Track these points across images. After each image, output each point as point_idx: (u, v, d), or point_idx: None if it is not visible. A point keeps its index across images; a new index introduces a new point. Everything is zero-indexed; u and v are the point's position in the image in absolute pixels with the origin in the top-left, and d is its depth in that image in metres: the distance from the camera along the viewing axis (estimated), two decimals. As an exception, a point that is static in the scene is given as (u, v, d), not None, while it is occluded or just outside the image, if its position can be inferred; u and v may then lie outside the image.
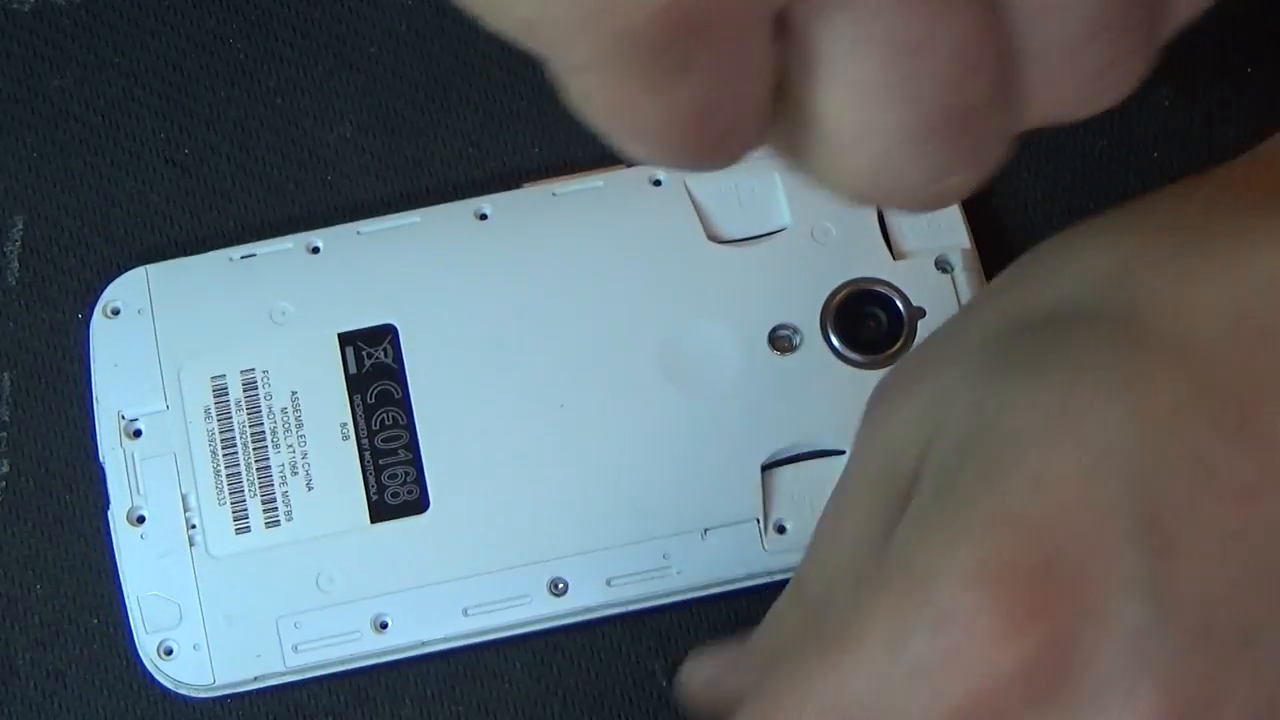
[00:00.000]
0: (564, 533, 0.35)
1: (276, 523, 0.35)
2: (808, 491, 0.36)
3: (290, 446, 0.36)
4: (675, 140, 0.22)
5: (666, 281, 0.37)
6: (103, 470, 0.36)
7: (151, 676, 0.35)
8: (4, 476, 0.37)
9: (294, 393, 0.36)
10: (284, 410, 0.36)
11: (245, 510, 0.35)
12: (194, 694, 0.35)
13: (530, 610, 0.35)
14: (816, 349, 0.37)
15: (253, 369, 0.36)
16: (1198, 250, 0.27)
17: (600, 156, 0.38)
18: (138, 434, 0.36)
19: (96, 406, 0.36)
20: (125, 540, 0.35)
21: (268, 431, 0.36)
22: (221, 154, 0.39)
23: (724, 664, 0.33)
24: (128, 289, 0.37)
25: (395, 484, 0.36)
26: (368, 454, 0.36)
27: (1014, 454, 0.25)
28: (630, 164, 0.38)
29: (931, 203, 0.24)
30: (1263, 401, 0.25)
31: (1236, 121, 0.39)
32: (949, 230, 0.37)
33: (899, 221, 0.37)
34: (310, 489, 0.36)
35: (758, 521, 0.36)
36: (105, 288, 0.37)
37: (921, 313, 0.37)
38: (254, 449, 0.36)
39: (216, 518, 0.35)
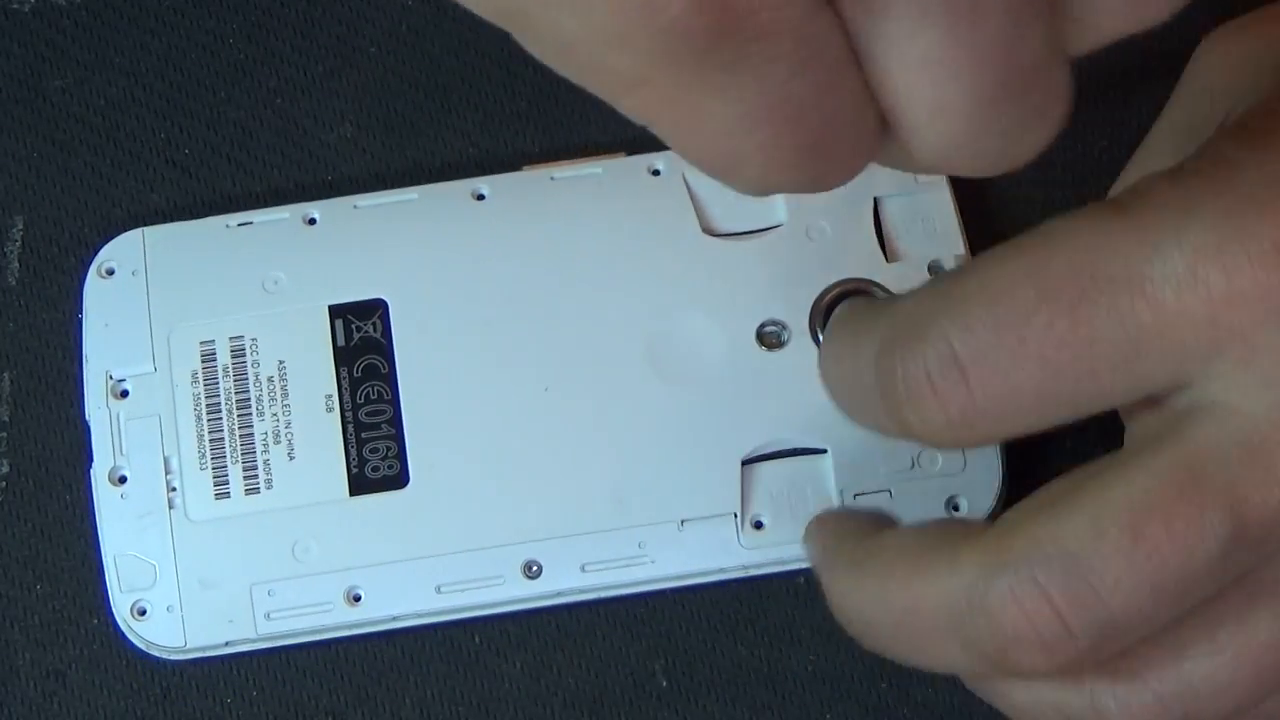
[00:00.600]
0: (541, 516, 0.35)
1: (256, 490, 0.36)
2: (786, 489, 0.36)
3: (274, 415, 0.36)
4: (772, 151, 0.21)
5: (658, 272, 0.37)
6: (87, 428, 0.36)
7: (126, 637, 0.35)
8: (4, 476, 0.37)
9: (281, 362, 0.36)
10: (270, 379, 0.36)
11: (226, 476, 0.36)
12: (165, 655, 0.35)
13: (503, 591, 0.35)
14: (804, 347, 0.36)
15: (242, 336, 0.36)
16: None
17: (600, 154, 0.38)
18: (124, 394, 0.36)
19: (85, 366, 0.37)
20: (105, 499, 0.36)
21: (253, 399, 0.36)
22: (221, 154, 0.39)
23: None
24: (123, 250, 0.37)
25: (376, 458, 0.36)
26: (350, 427, 0.36)
27: None
28: (631, 152, 0.38)
29: (1009, 164, 0.23)
30: None
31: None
32: (944, 234, 0.37)
33: (895, 223, 0.37)
34: (291, 458, 0.36)
35: (735, 516, 0.36)
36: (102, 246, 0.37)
37: (911, 316, 0.37)
38: (238, 415, 0.36)
39: (197, 482, 0.36)
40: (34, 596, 0.36)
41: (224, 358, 0.36)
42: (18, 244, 0.38)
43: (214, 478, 0.36)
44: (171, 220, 0.38)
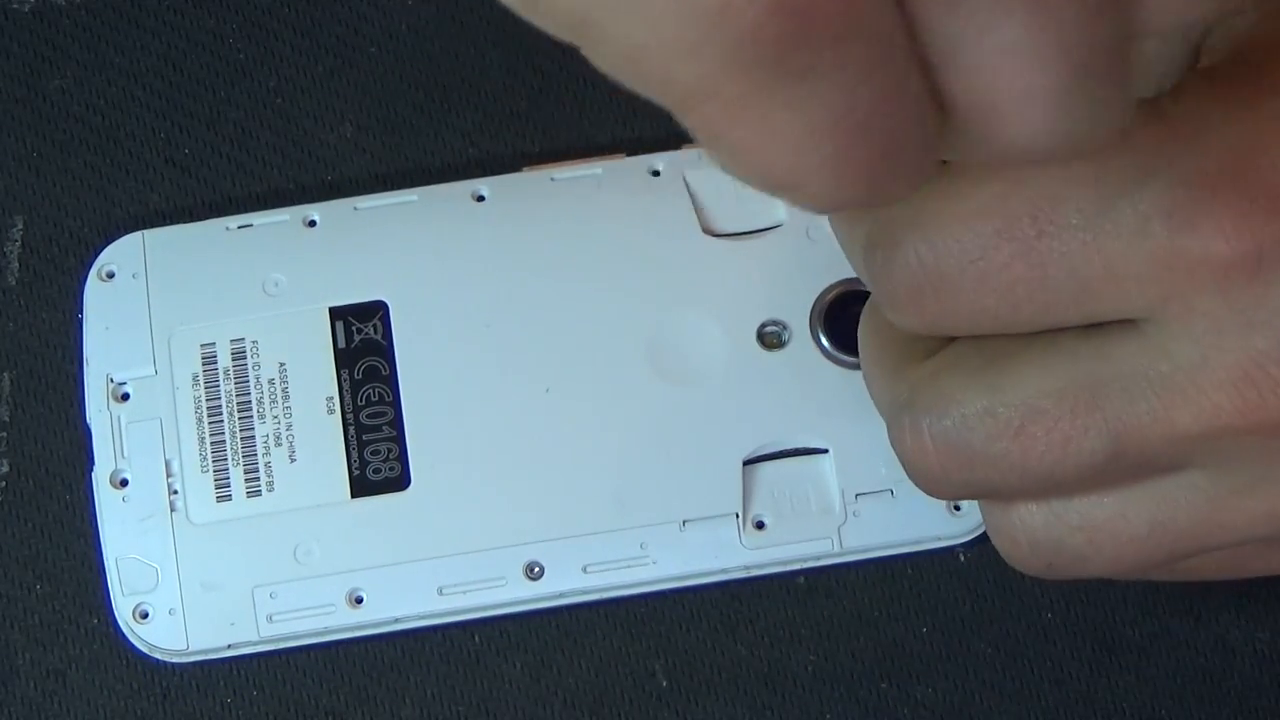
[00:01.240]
0: (542, 517, 0.35)
1: (258, 493, 0.36)
2: (788, 489, 0.36)
3: (275, 418, 0.36)
4: (842, 164, 0.21)
5: (659, 272, 0.37)
6: (89, 432, 0.36)
7: (128, 640, 0.35)
8: (4, 476, 0.37)
9: (282, 364, 0.36)
10: (271, 381, 0.36)
11: (227, 479, 0.36)
12: (167, 658, 0.35)
13: (505, 593, 0.35)
14: (805, 347, 0.37)
15: (242, 339, 0.36)
16: None
17: (600, 154, 0.38)
18: (125, 398, 0.36)
19: (86, 369, 0.36)
20: (107, 502, 0.36)
21: (254, 401, 0.36)
22: (221, 154, 0.39)
23: None
24: (123, 253, 0.37)
25: (377, 460, 0.36)
26: (352, 429, 0.36)
27: None
28: (631, 153, 0.38)
29: (1094, 144, 0.23)
30: None
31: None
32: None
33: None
34: (293, 461, 0.36)
35: (737, 516, 0.36)
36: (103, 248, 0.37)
37: (912, 316, 0.37)
38: (239, 418, 0.36)
39: (199, 485, 0.36)
40: (34, 596, 0.36)
41: (225, 360, 0.36)
42: (18, 244, 0.38)
43: (215, 480, 0.36)
44: (171, 220, 0.38)
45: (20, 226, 0.38)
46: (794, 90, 0.20)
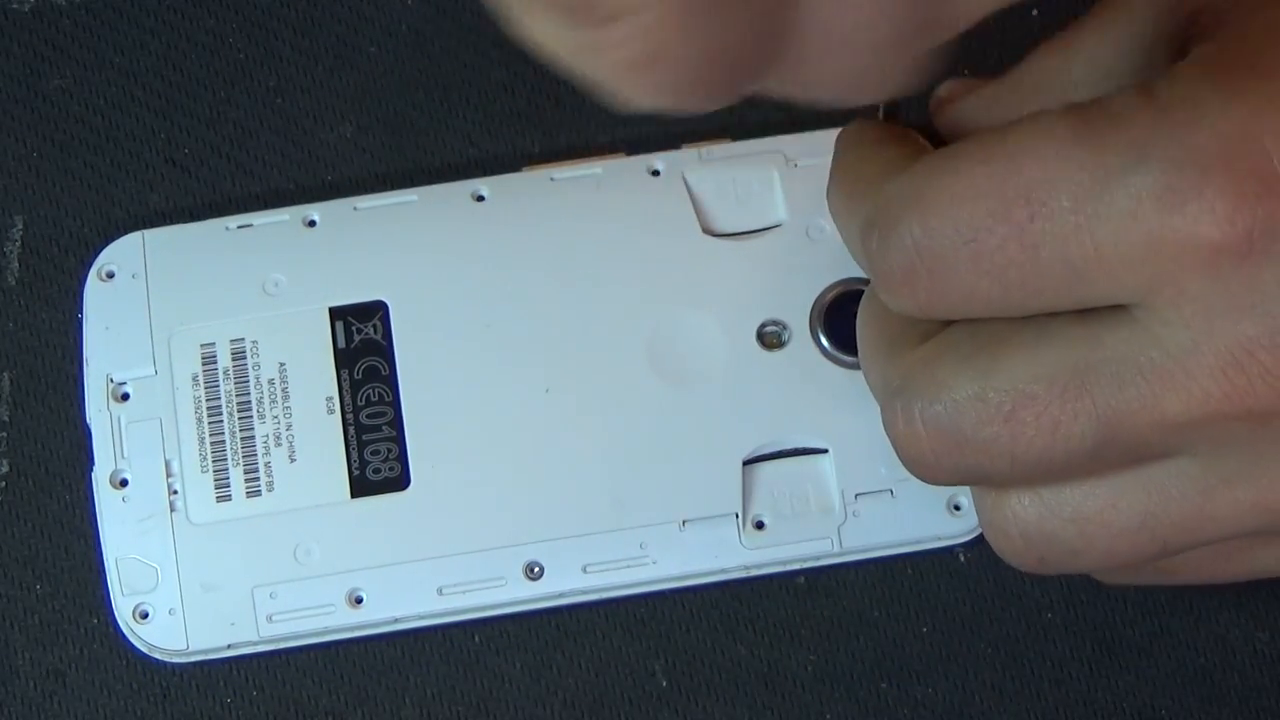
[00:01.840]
0: (542, 517, 0.35)
1: (258, 493, 0.36)
2: (788, 489, 0.36)
3: (275, 418, 0.36)
4: (695, 83, 0.23)
5: (659, 272, 0.37)
6: (89, 432, 0.36)
7: (128, 640, 0.35)
8: (4, 476, 0.37)
9: (282, 364, 0.36)
10: (271, 381, 0.36)
11: (227, 479, 0.36)
12: (167, 658, 0.35)
13: (505, 593, 0.35)
14: (804, 347, 0.37)
15: (242, 339, 0.36)
16: None
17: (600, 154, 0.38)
18: (125, 398, 0.36)
19: (86, 369, 0.36)
20: (107, 502, 0.36)
21: (254, 401, 0.36)
22: (221, 154, 0.39)
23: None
24: (123, 253, 0.37)
25: (377, 460, 0.36)
26: (351, 429, 0.36)
27: None
28: (631, 152, 0.38)
29: (912, 81, 0.25)
30: None
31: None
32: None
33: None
34: (293, 461, 0.36)
35: (736, 516, 0.36)
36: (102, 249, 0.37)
37: (911, 316, 0.37)
38: (239, 418, 0.36)
39: (198, 485, 0.36)
40: (34, 596, 0.36)
41: (225, 360, 0.36)
42: (18, 244, 0.38)
43: (215, 480, 0.36)
44: (171, 220, 0.38)
45: (20, 226, 0.38)
46: (701, 19, 0.22)
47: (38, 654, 0.36)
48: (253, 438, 0.36)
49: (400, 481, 0.36)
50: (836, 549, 0.36)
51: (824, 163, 0.34)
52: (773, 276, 0.37)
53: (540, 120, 0.39)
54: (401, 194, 0.38)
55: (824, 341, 0.36)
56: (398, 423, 0.36)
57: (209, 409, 0.36)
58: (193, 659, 0.35)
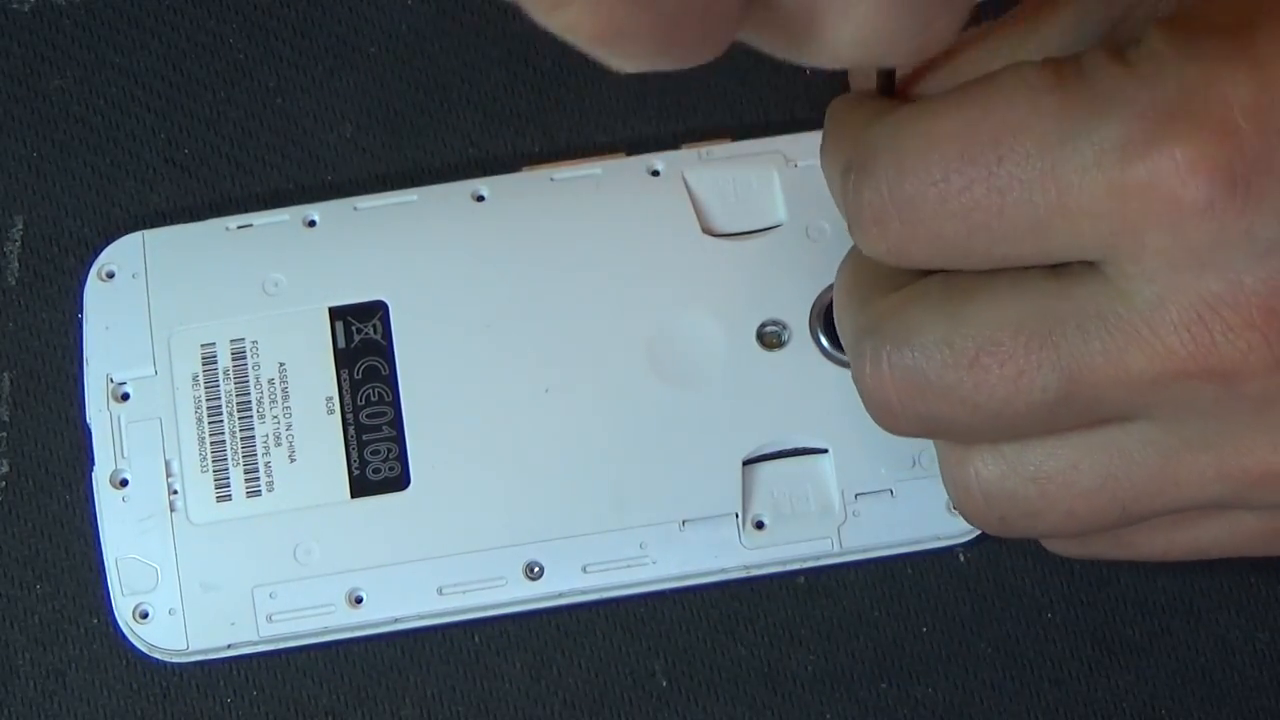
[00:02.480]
0: (542, 517, 0.36)
1: (258, 493, 0.36)
2: (788, 489, 0.36)
3: (275, 418, 0.36)
4: (667, 44, 0.23)
5: (658, 272, 0.37)
6: (89, 432, 0.36)
7: (128, 640, 0.35)
8: (4, 476, 0.37)
9: (282, 364, 0.36)
10: (271, 381, 0.36)
11: (227, 479, 0.36)
12: (167, 658, 0.35)
13: (505, 593, 0.35)
14: (804, 347, 0.37)
15: (242, 339, 0.36)
16: None
17: (600, 154, 0.38)
18: (125, 398, 0.36)
19: (86, 369, 0.37)
20: (107, 502, 0.36)
21: (254, 401, 0.36)
22: (221, 154, 0.39)
23: None
24: (123, 253, 0.37)
25: (377, 460, 0.36)
26: (351, 429, 0.36)
27: None
28: (631, 152, 0.38)
29: (919, 55, 0.25)
30: None
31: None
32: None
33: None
34: (293, 461, 0.36)
35: (736, 516, 0.36)
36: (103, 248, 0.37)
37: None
38: (239, 418, 0.36)
39: (198, 485, 0.36)
40: (34, 596, 0.36)
41: (224, 360, 0.36)
42: (18, 244, 0.38)
43: (215, 480, 0.36)
44: (171, 220, 0.38)
45: (20, 226, 0.38)
46: None
47: (38, 654, 0.36)
48: (253, 438, 0.36)
49: (400, 481, 0.36)
50: (836, 549, 0.36)
51: (824, 163, 0.34)
52: (772, 276, 0.37)
53: (540, 120, 0.39)
54: (401, 194, 0.38)
55: (824, 341, 0.37)
56: (398, 423, 0.36)
57: (209, 409, 0.36)
58: (193, 659, 0.35)
